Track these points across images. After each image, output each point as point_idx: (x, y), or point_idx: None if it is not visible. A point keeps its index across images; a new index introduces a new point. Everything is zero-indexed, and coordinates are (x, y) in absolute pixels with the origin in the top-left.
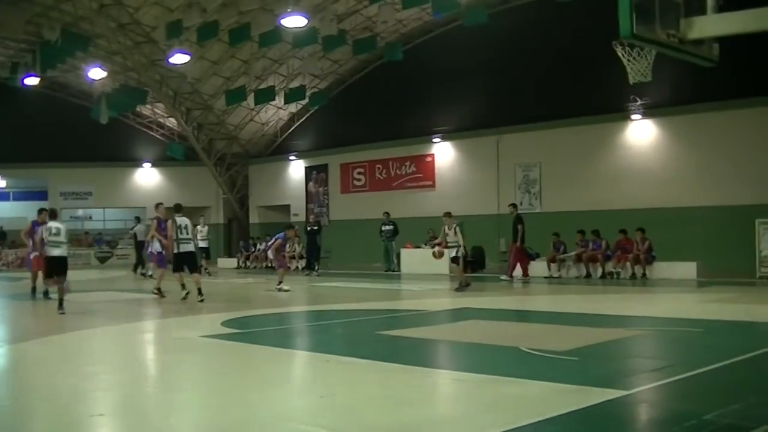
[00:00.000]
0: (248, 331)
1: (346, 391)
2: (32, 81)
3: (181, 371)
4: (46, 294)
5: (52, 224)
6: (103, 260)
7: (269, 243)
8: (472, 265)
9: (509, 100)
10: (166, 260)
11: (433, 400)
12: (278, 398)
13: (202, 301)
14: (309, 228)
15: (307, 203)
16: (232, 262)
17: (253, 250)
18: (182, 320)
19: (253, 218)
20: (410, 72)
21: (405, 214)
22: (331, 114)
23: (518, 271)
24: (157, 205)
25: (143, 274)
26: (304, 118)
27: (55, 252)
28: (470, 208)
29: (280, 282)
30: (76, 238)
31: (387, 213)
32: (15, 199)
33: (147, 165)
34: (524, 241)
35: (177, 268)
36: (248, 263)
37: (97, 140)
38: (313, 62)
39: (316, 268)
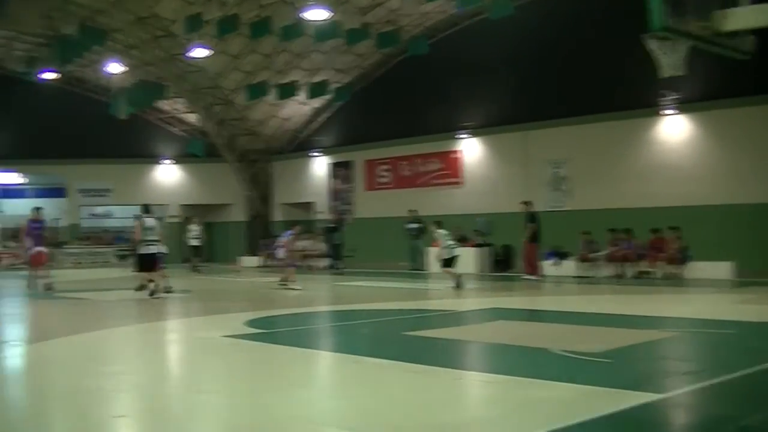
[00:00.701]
0: (272, 331)
1: (372, 392)
2: (49, 76)
3: (204, 372)
4: (48, 287)
5: (148, 221)
6: (122, 258)
7: (278, 244)
8: (500, 265)
9: (537, 95)
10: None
11: (461, 403)
12: (302, 400)
13: (168, 293)
14: (327, 225)
15: (331, 201)
16: (255, 261)
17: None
18: (205, 320)
19: (277, 216)
20: (435, 66)
21: (431, 212)
22: (355, 109)
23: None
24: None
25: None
26: (327, 114)
27: (152, 249)
28: (498, 205)
29: (287, 280)
30: (95, 236)
31: (413, 210)
32: (33, 196)
33: (167, 162)
34: (538, 239)
35: (141, 269)
36: (271, 262)
37: (116, 136)
38: (336, 56)
39: (338, 266)
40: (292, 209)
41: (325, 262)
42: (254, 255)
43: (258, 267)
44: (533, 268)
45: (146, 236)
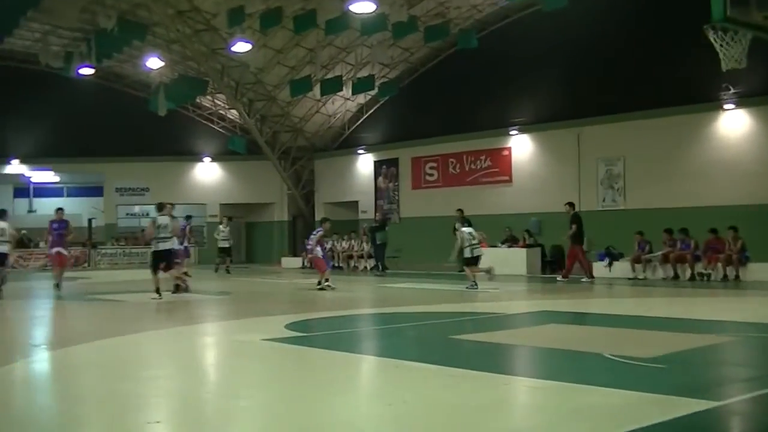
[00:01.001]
0: (313, 334)
1: (416, 398)
2: (87, 71)
3: (242, 376)
4: (57, 287)
5: (161, 219)
6: None
7: (310, 241)
8: (551, 266)
9: (590, 90)
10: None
11: (509, 410)
12: (344, 405)
13: (177, 290)
14: (371, 225)
15: (376, 200)
16: (297, 262)
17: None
18: (243, 323)
19: (320, 215)
20: (485, 60)
21: (480, 211)
22: (402, 105)
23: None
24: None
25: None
26: (373, 110)
27: (162, 246)
28: (549, 204)
29: (326, 280)
30: (132, 236)
31: (460, 210)
32: (69, 195)
33: (207, 159)
34: (581, 241)
35: (155, 267)
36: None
37: (154, 133)
38: (383, 50)
39: (381, 267)
40: (336, 208)
41: (369, 263)
42: (296, 256)
43: (300, 268)
44: (585, 270)
45: (158, 234)
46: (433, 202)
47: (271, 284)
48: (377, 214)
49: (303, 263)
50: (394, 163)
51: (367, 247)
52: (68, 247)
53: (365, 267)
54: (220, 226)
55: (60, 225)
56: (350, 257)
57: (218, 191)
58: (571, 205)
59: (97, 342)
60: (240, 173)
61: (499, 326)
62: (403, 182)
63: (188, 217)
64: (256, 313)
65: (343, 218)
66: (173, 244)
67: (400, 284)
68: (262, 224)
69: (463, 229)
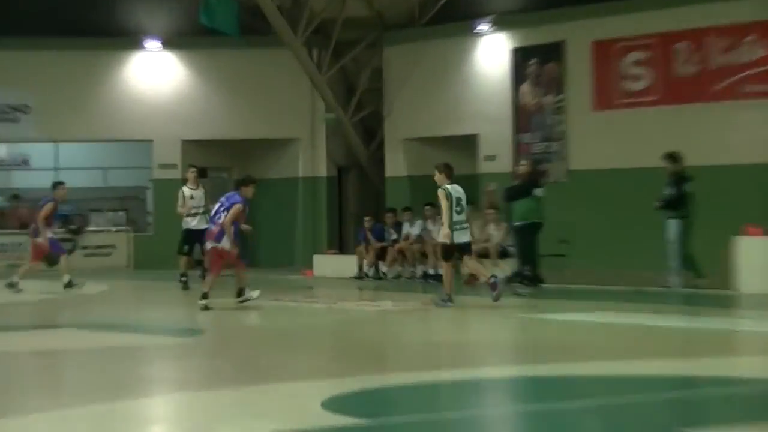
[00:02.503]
0: (380, 423)
1: None
2: None
3: None
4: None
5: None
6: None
7: (219, 215)
8: None
9: None
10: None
11: None
12: None
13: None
14: (507, 188)
15: (516, 133)
16: (347, 264)
17: (395, 237)
18: (247, 392)
19: (394, 167)
20: None
21: (738, 158)
22: None
23: None
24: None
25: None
26: None
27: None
28: None
29: (242, 291)
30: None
31: (673, 157)
32: None
33: (154, 45)
34: None
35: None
36: (381, 268)
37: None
38: None
39: (530, 276)
40: (428, 150)
41: (502, 268)
42: (340, 252)
43: (354, 278)
44: None
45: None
46: (638, 138)
47: (291, 311)
48: (521, 163)
49: (361, 270)
50: (553, 52)
51: (497, 234)
52: None
53: (493, 279)
54: (186, 189)
55: None
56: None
57: (178, 115)
58: None
59: None
60: (225, 76)
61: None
62: (573, 95)
63: None
64: (262, 373)
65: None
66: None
67: (567, 313)
68: (273, 185)
69: (448, 186)
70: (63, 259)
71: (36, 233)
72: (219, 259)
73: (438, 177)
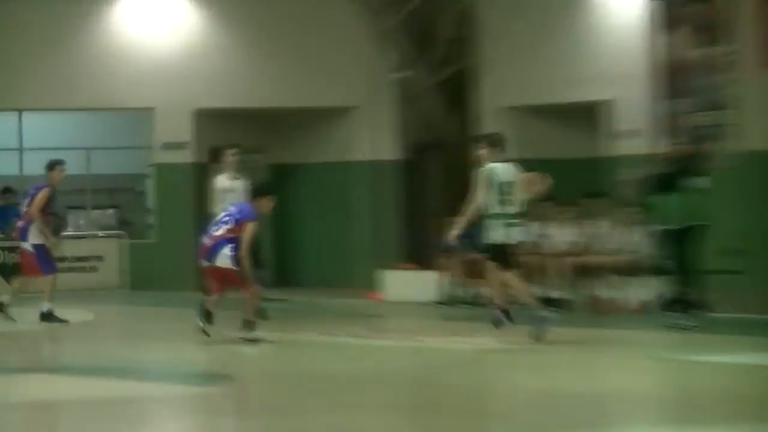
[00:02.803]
0: None
1: None
2: None
3: None
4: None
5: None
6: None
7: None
8: None
9: None
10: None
11: None
12: None
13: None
14: (654, 174)
15: (661, 98)
16: (429, 283)
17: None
18: None
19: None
20: None
21: None
22: None
23: None
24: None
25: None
26: None
27: None
28: None
29: (250, 324)
30: None
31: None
32: None
33: None
34: None
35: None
36: (477, 288)
37: None
38: None
39: (691, 301)
40: (539, 123)
41: (648, 289)
42: (423, 266)
43: (436, 303)
44: None
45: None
46: None
47: (355, 352)
48: (665, 142)
49: (449, 292)
50: None
51: (634, 238)
52: None
53: (637, 305)
54: (223, 180)
55: None
56: (584, 269)
57: (189, 76)
58: None
59: None
60: (253, 25)
61: None
62: (743, 46)
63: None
64: None
65: (559, 156)
66: None
67: (745, 355)
68: (318, 173)
69: (495, 165)
70: (51, 280)
71: (24, 234)
72: (223, 281)
73: (483, 153)
